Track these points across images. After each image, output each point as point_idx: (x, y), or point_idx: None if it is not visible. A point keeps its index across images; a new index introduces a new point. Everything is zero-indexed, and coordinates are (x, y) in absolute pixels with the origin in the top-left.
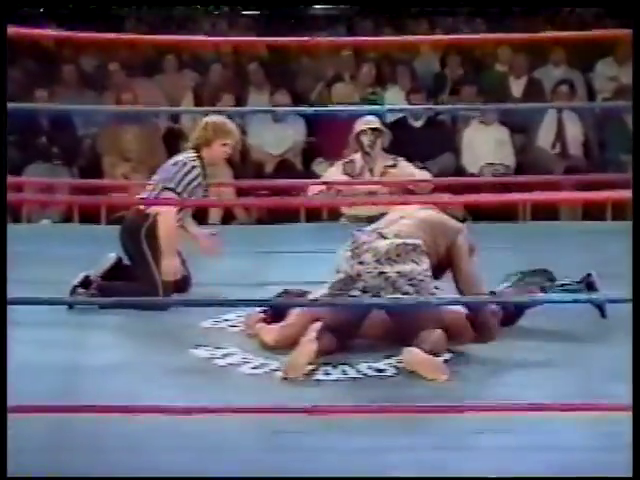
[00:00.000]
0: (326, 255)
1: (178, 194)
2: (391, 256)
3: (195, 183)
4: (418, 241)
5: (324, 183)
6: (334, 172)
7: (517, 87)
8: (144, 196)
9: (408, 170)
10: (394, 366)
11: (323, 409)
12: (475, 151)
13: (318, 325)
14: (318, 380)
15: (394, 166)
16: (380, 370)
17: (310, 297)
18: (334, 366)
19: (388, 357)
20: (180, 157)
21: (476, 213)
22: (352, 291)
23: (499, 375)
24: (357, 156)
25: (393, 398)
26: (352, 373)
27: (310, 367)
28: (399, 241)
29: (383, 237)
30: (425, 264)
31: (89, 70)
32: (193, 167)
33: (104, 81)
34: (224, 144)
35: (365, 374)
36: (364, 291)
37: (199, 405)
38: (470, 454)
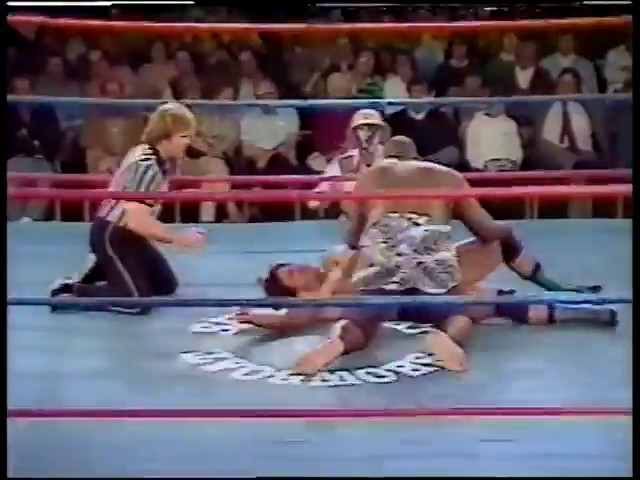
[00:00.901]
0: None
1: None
2: (428, 244)
3: (154, 185)
4: (447, 228)
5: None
6: (334, 170)
7: (524, 78)
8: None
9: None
10: (394, 372)
11: (320, 412)
12: (480, 145)
13: (343, 322)
14: (314, 387)
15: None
16: (380, 376)
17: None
18: (331, 372)
19: (387, 363)
20: (131, 159)
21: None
22: (389, 284)
23: (504, 379)
24: (355, 151)
25: (393, 406)
26: (350, 379)
27: (325, 368)
28: (433, 228)
29: (415, 224)
30: (453, 250)
31: (73, 59)
32: (148, 167)
33: (88, 71)
34: (184, 136)
35: (364, 380)
36: (400, 283)
37: (194, 409)
38: (474, 461)
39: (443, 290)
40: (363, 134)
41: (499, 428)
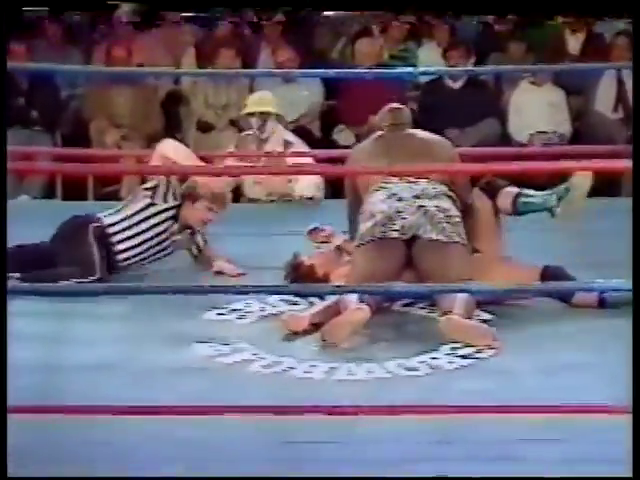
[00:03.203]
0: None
1: None
2: (429, 193)
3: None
4: (447, 189)
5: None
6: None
7: (574, 43)
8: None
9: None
10: (428, 364)
11: (345, 410)
12: (524, 116)
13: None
14: (340, 380)
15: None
16: (412, 369)
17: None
18: (358, 364)
19: (421, 354)
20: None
21: (522, 188)
22: (389, 232)
23: (544, 375)
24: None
25: (426, 401)
26: (379, 372)
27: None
28: (433, 185)
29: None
30: (456, 211)
31: (74, 22)
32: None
33: (92, 35)
34: (210, 209)
35: (394, 373)
36: (402, 231)
37: (207, 404)
38: (511, 464)
39: (445, 239)
40: (254, 121)
41: (542, 427)
